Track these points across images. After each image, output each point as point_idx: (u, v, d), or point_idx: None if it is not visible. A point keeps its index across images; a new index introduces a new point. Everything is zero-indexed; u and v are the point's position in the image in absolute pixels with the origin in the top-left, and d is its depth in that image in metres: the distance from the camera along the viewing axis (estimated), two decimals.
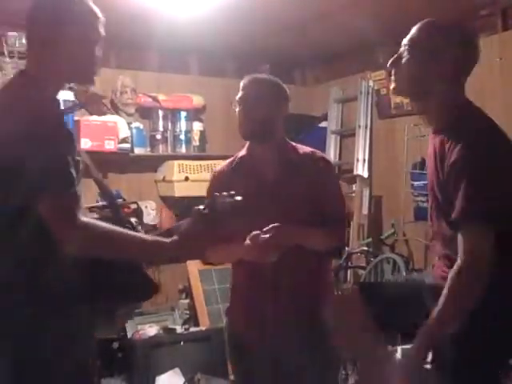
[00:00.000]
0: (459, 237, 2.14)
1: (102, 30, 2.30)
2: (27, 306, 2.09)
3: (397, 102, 5.61)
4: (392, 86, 2.45)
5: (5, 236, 2.13)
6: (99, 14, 2.29)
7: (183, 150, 5.85)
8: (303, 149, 3.03)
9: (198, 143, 5.91)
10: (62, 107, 2.37)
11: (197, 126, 5.92)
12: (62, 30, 2.21)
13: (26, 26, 2.33)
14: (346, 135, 6.34)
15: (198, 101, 5.92)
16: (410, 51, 2.35)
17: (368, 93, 6.01)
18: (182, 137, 5.84)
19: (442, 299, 2.12)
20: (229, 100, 6.09)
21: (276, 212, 2.79)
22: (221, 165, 3.16)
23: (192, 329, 5.23)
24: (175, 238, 2.18)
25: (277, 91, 2.97)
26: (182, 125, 5.84)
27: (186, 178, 5.51)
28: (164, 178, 5.61)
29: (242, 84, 2.98)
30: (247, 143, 3.00)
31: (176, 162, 5.55)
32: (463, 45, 2.37)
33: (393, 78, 2.43)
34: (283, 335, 2.81)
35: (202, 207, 2.21)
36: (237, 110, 2.96)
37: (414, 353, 2.14)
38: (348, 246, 5.58)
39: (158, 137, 5.72)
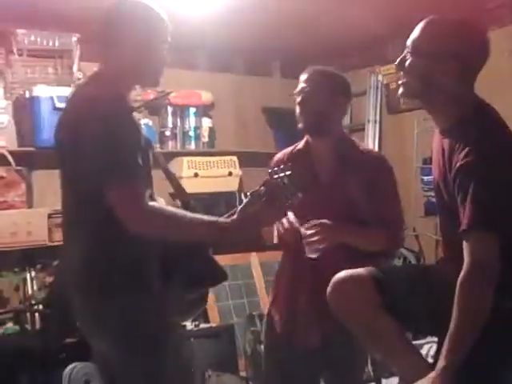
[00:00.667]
0: (465, 245, 2.10)
1: (168, 35, 2.43)
2: (102, 282, 2.24)
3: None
4: (400, 90, 2.37)
5: (79, 217, 2.30)
6: (166, 20, 2.41)
7: (192, 146, 5.85)
8: (362, 146, 3.02)
9: (207, 139, 5.90)
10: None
11: (206, 123, 5.92)
12: (133, 34, 2.33)
13: (101, 29, 2.40)
14: (356, 130, 6.32)
15: (206, 97, 5.91)
16: (413, 53, 2.28)
17: (377, 87, 6.00)
18: (192, 133, 5.84)
19: (454, 319, 2.07)
20: (238, 96, 6.20)
21: (329, 209, 2.77)
22: (277, 155, 3.13)
23: (202, 325, 5.22)
24: (235, 217, 2.28)
25: (337, 85, 2.93)
26: (191, 121, 5.84)
27: (196, 175, 5.51)
28: None
29: (302, 76, 2.95)
30: (305, 137, 2.98)
31: (185, 159, 5.54)
32: (469, 42, 2.28)
33: (400, 81, 2.36)
34: (321, 331, 2.81)
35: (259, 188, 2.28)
36: (296, 101, 2.92)
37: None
38: None
39: (167, 133, 5.73)
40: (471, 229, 2.08)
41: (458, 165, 2.14)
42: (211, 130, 5.94)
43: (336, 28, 5.23)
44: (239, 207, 2.30)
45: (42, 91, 4.77)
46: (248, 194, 2.32)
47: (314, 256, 2.69)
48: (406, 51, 2.31)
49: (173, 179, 2.65)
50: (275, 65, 6.39)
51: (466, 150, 2.12)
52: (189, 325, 5.13)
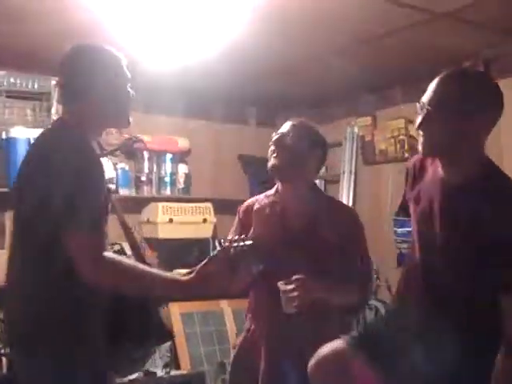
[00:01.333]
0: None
1: (128, 73, 2.41)
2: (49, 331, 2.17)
3: (382, 149, 5.66)
4: (420, 148, 2.31)
5: (25, 264, 2.25)
6: (123, 58, 2.41)
7: (168, 192, 5.86)
8: (333, 200, 3.05)
9: (182, 185, 5.92)
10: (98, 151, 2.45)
11: (182, 169, 5.94)
12: (96, 79, 2.32)
13: (60, 77, 2.43)
14: (331, 181, 6.36)
15: (183, 143, 5.94)
16: (436, 111, 2.21)
17: (353, 138, 6.05)
18: (167, 179, 5.85)
19: None
20: (214, 143, 6.23)
21: (300, 259, 2.77)
22: (248, 200, 3.17)
23: (173, 372, 5.17)
24: (193, 275, 2.27)
25: (316, 138, 2.99)
26: (168, 167, 5.86)
27: (171, 220, 5.51)
28: (148, 219, 5.60)
29: (284, 126, 3.00)
30: (277, 185, 3.01)
31: (160, 204, 5.55)
32: (490, 95, 2.26)
33: (420, 140, 2.29)
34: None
35: (215, 252, 2.31)
36: (270, 149, 2.95)
37: None
38: None
39: (143, 178, 5.73)
40: None
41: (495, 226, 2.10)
42: (187, 177, 5.96)
43: (313, 78, 5.29)
44: (197, 267, 2.30)
45: (19, 133, 4.77)
46: (208, 256, 2.33)
47: (291, 311, 2.68)
48: (424, 109, 2.24)
49: (126, 228, 2.67)
50: (251, 111, 6.43)
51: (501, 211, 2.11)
52: (159, 372, 5.08)
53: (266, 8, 3.72)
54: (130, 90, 2.42)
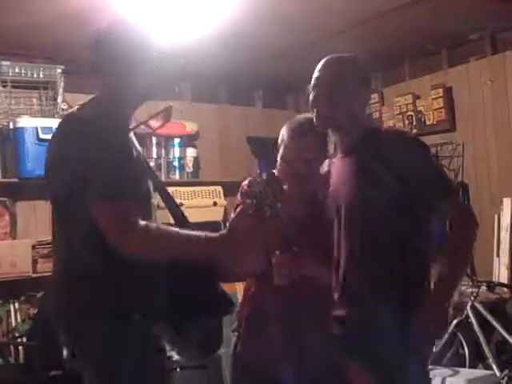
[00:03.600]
0: (448, 206, 2.43)
1: (155, 44, 2.47)
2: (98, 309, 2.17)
3: (390, 126, 5.63)
4: (315, 122, 2.56)
5: (68, 243, 2.23)
6: (151, 32, 2.47)
7: (177, 176, 5.87)
8: None
9: (191, 169, 5.92)
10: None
11: (190, 153, 5.94)
12: (125, 52, 2.31)
13: (93, 55, 2.37)
14: None
15: (191, 127, 5.94)
16: (321, 86, 2.53)
17: None
18: (176, 163, 5.86)
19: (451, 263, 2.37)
20: (222, 125, 6.22)
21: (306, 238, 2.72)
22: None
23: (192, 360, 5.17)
24: (225, 231, 2.24)
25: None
26: (176, 151, 5.87)
27: (181, 204, 5.48)
28: (158, 204, 5.59)
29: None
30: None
31: (170, 189, 5.50)
32: (366, 74, 2.71)
33: (316, 116, 2.54)
34: (292, 360, 2.79)
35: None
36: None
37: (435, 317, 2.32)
38: None
39: (152, 163, 5.73)
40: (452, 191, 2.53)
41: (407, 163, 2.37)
42: (195, 160, 5.96)
43: (318, 59, 5.27)
44: (229, 222, 2.29)
45: (26, 122, 4.77)
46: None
47: (282, 282, 2.69)
48: (313, 89, 2.56)
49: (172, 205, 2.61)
50: (258, 94, 6.42)
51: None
52: (175, 355, 5.08)
53: None
54: (158, 61, 2.44)
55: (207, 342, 2.42)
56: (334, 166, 2.60)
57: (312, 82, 2.59)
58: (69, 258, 2.26)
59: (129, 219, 2.10)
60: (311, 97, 2.57)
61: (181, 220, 2.49)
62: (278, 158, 2.84)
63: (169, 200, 2.57)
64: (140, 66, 2.33)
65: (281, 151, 2.81)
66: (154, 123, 4.81)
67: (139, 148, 2.42)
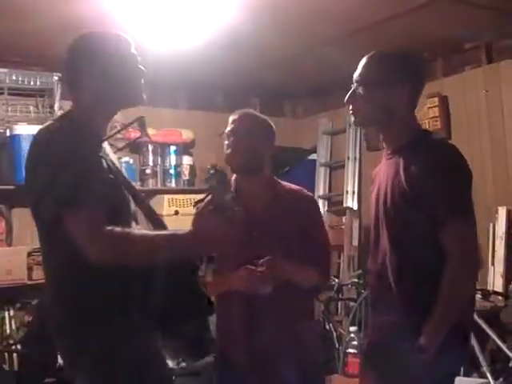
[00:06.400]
0: (450, 231, 2.26)
1: (132, 48, 2.38)
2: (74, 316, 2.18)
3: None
4: (353, 119, 2.54)
5: (51, 253, 2.25)
6: (129, 40, 2.39)
7: (173, 184, 5.87)
8: (289, 186, 3.06)
9: (187, 177, 5.94)
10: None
11: (186, 160, 5.95)
12: (99, 61, 2.29)
13: (69, 65, 2.36)
14: (336, 167, 6.37)
15: (187, 135, 5.95)
16: (363, 84, 2.45)
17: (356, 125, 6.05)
18: (172, 171, 5.87)
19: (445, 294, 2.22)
20: (218, 134, 6.22)
21: (262, 247, 2.79)
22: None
23: (183, 363, 5.18)
24: (190, 228, 2.20)
25: (265, 128, 3.00)
26: (172, 159, 5.88)
27: (176, 212, 5.52)
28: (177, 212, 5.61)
29: (231, 118, 3.00)
30: (233, 176, 3.02)
31: (166, 197, 5.56)
32: (412, 68, 2.50)
33: (351, 112, 2.50)
34: (269, 362, 2.81)
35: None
36: (225, 142, 2.97)
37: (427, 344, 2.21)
38: (339, 278, 5.58)
39: (148, 171, 5.74)
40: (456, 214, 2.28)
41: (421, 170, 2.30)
42: (192, 168, 5.97)
43: (315, 66, 5.30)
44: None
45: (22, 129, 4.78)
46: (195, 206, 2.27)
47: (267, 291, 2.71)
48: (354, 85, 2.47)
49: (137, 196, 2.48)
50: (254, 101, 6.44)
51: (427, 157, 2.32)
52: (170, 363, 5.09)
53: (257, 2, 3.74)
54: (139, 67, 2.38)
55: (195, 344, 2.42)
56: (381, 165, 2.56)
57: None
58: (49, 267, 2.28)
59: (92, 227, 2.08)
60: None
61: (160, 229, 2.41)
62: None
63: (147, 209, 2.46)
64: (110, 77, 2.30)
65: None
66: (133, 134, 4.87)
67: (113, 157, 2.40)
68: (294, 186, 3.05)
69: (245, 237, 2.67)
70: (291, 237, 2.87)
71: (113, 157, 2.40)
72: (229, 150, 2.95)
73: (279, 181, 3.05)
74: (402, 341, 2.26)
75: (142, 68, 2.39)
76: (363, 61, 2.51)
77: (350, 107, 2.50)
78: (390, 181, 2.41)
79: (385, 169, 2.50)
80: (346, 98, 2.48)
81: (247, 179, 2.96)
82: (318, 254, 2.91)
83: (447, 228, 2.26)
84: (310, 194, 3.12)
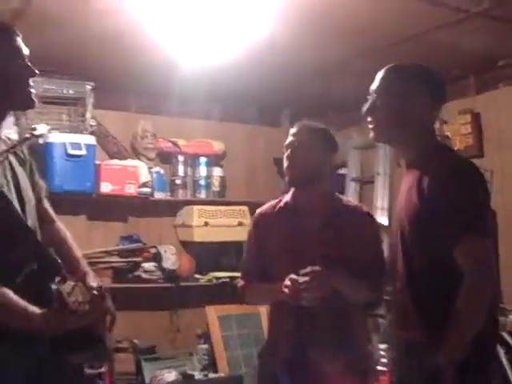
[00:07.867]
0: (465, 249, 2.21)
1: (22, 49, 2.21)
2: None
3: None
4: (371, 134, 2.55)
5: None
6: (16, 36, 2.22)
7: (203, 195, 5.88)
8: (348, 201, 3.07)
9: (217, 189, 5.94)
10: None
11: (217, 172, 5.96)
12: None
13: None
14: (366, 182, 6.34)
15: (218, 146, 5.97)
16: (380, 96, 2.47)
17: None
18: (202, 182, 5.88)
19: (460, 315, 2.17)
20: (249, 145, 6.24)
21: (318, 260, 2.75)
22: (262, 207, 3.15)
23: (211, 375, 5.18)
24: (46, 311, 2.08)
25: (324, 140, 2.99)
26: (202, 170, 5.89)
27: (206, 223, 5.53)
28: (183, 222, 5.63)
29: (292, 130, 3.02)
30: (292, 189, 3.01)
31: (195, 207, 5.57)
32: (430, 81, 2.50)
33: (370, 126, 2.52)
34: (318, 377, 2.79)
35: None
36: (285, 155, 2.96)
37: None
38: None
39: (178, 182, 5.76)
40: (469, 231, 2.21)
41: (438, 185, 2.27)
42: (222, 180, 5.98)
43: (347, 80, 5.28)
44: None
45: (55, 138, 4.85)
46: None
47: (313, 304, 2.69)
48: (372, 97, 2.51)
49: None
50: (286, 113, 6.44)
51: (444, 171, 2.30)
52: (197, 375, 5.09)
53: (293, 12, 3.74)
54: (23, 68, 2.19)
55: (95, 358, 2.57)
56: (403, 179, 2.55)
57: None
58: None
59: None
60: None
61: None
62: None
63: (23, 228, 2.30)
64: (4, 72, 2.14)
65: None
66: (164, 144, 4.86)
67: (18, 171, 2.35)
68: (352, 202, 3.05)
69: (298, 248, 2.69)
70: (346, 253, 2.85)
71: (15, 169, 2.36)
72: (286, 163, 2.95)
73: (339, 195, 3.04)
74: (423, 359, 2.23)
75: (30, 65, 2.20)
76: (382, 73, 2.53)
77: (369, 119, 2.52)
78: (406, 195, 2.42)
79: (404, 183, 2.50)
80: (365, 108, 2.52)
81: (305, 192, 2.95)
82: (371, 269, 2.87)
83: (462, 246, 2.20)
84: (368, 210, 3.10)
